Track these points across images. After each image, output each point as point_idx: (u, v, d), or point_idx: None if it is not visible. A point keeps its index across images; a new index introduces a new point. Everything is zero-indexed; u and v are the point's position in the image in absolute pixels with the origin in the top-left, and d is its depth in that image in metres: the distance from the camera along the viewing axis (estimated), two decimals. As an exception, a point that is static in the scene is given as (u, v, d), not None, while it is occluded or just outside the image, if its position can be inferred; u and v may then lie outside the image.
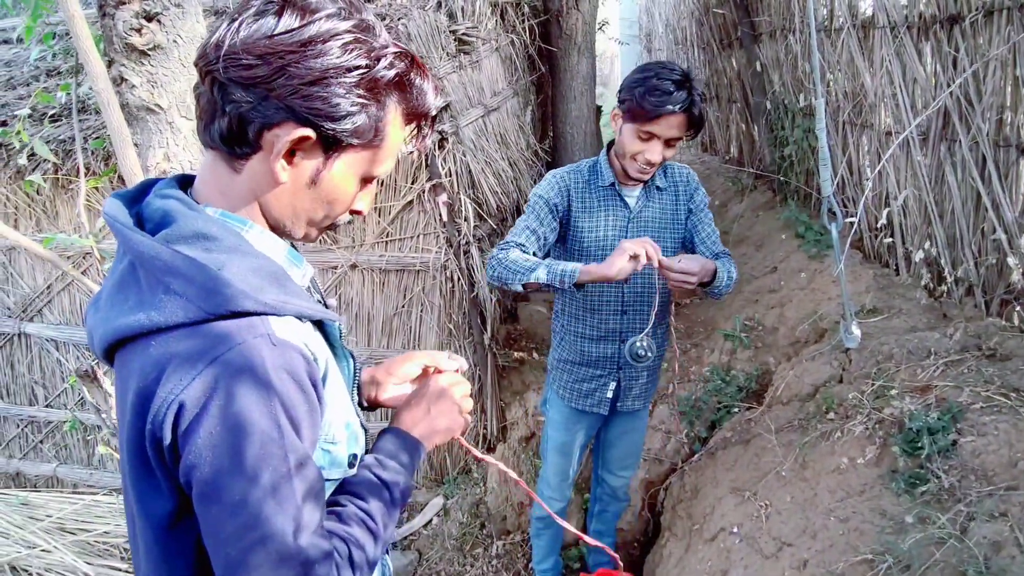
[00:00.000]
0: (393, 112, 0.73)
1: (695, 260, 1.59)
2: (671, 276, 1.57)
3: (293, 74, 0.65)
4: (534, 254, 1.70)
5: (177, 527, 0.69)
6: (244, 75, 0.66)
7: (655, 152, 1.62)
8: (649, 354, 1.74)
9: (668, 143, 1.62)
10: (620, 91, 1.66)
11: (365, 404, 1.02)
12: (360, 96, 0.69)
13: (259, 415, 0.64)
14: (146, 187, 0.77)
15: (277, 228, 0.76)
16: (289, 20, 0.66)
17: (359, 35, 0.68)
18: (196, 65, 0.70)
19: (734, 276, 1.76)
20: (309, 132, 0.68)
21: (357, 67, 0.68)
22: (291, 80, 0.65)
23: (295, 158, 0.70)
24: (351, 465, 0.81)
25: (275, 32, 0.65)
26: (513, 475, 1.00)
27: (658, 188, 1.80)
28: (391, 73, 0.70)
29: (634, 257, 1.47)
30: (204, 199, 0.73)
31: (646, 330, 1.75)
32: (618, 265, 1.47)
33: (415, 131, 0.78)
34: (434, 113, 0.78)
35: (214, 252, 0.67)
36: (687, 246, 1.86)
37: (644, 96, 1.56)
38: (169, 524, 0.69)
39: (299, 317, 0.72)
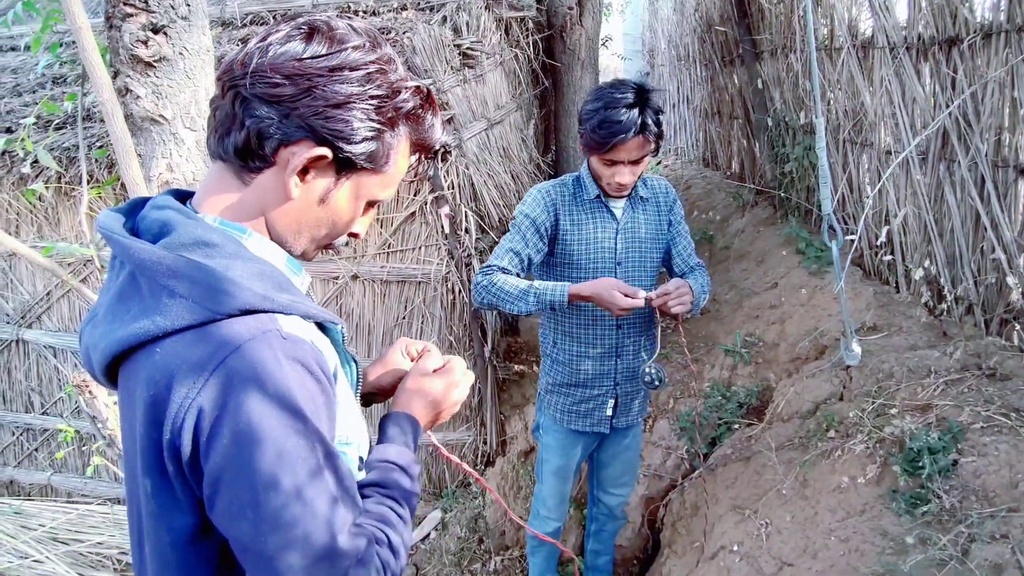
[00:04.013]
0: (403, 142, 0.77)
1: (676, 281, 1.65)
2: (671, 299, 1.61)
3: (319, 96, 0.69)
4: (516, 275, 1.71)
5: (199, 541, 0.68)
6: (270, 92, 0.68)
7: (623, 175, 1.65)
8: (662, 375, 1.77)
9: (634, 163, 1.64)
10: (579, 120, 1.67)
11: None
12: (378, 123, 0.72)
13: (280, 408, 0.63)
14: (137, 204, 0.78)
15: (278, 242, 0.77)
16: (317, 47, 0.69)
17: (382, 66, 0.72)
18: (219, 79, 0.72)
19: (708, 288, 1.82)
20: (326, 152, 0.70)
21: (378, 96, 0.72)
22: (316, 101, 0.69)
23: (308, 176, 0.72)
24: (360, 469, 0.81)
25: (304, 56, 0.69)
26: (503, 503, 1.00)
27: (642, 198, 1.82)
28: (408, 105, 0.75)
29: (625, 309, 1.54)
30: (205, 209, 0.74)
31: (653, 356, 1.76)
32: (612, 304, 1.55)
33: (416, 161, 0.80)
34: (438, 147, 0.80)
35: (216, 258, 0.67)
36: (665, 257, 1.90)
37: (595, 129, 1.58)
38: (191, 539, 0.68)
39: (304, 318, 0.72)
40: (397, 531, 0.75)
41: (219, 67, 0.74)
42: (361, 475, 0.80)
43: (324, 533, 0.64)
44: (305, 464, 0.64)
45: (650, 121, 1.58)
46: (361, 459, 0.81)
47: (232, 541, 0.65)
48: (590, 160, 1.70)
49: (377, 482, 0.79)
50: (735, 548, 2.00)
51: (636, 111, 1.55)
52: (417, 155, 0.81)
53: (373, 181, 0.76)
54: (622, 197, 1.78)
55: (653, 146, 1.64)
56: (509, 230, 1.78)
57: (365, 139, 0.72)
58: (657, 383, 1.77)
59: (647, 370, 1.76)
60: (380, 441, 0.86)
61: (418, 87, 0.76)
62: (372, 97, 0.71)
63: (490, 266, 1.70)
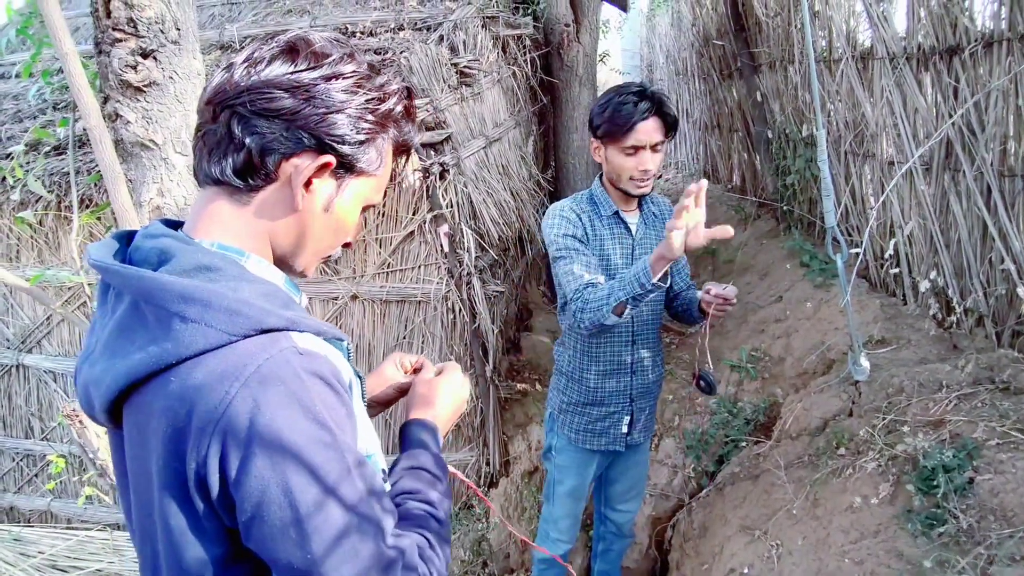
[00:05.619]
0: (390, 144, 0.79)
1: (733, 289, 1.66)
2: (726, 304, 1.62)
3: (319, 104, 0.71)
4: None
5: (226, 570, 0.67)
6: (270, 107, 0.69)
7: (646, 161, 1.66)
8: (715, 379, 1.77)
9: (653, 149, 1.66)
10: (591, 123, 1.71)
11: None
12: (374, 126, 0.75)
13: (307, 423, 0.62)
14: (122, 237, 0.76)
15: (280, 260, 0.77)
16: (304, 62, 0.72)
17: (369, 73, 0.75)
18: (211, 102, 0.71)
19: None
20: (330, 159, 0.72)
21: (372, 99, 0.74)
22: (317, 109, 0.70)
23: (311, 185, 0.73)
24: (384, 480, 0.81)
25: (295, 70, 0.71)
26: (511, 527, 0.97)
27: (653, 215, 1.83)
28: (399, 108, 0.78)
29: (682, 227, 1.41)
30: (200, 235, 0.72)
31: (707, 360, 1.75)
32: (677, 244, 1.41)
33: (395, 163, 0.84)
34: (414, 148, 0.84)
35: (220, 281, 0.66)
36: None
37: (613, 115, 1.63)
38: (219, 569, 0.67)
39: (316, 334, 0.72)
40: (436, 534, 0.76)
41: (204, 93, 0.74)
42: (387, 486, 0.80)
43: (371, 542, 0.65)
44: (339, 476, 0.64)
45: (663, 101, 1.64)
46: (383, 470, 0.81)
47: (276, 565, 0.64)
48: (610, 159, 1.69)
49: (409, 489, 0.80)
50: (746, 571, 1.94)
51: (647, 99, 1.62)
52: (403, 157, 0.83)
53: (369, 184, 0.78)
54: (637, 210, 1.78)
55: (669, 134, 1.67)
56: (556, 261, 1.70)
57: (363, 143, 0.74)
58: (716, 385, 1.77)
59: (706, 368, 1.75)
60: (404, 449, 0.87)
61: (403, 89, 0.79)
62: (368, 101, 0.74)
63: (578, 290, 1.62)
